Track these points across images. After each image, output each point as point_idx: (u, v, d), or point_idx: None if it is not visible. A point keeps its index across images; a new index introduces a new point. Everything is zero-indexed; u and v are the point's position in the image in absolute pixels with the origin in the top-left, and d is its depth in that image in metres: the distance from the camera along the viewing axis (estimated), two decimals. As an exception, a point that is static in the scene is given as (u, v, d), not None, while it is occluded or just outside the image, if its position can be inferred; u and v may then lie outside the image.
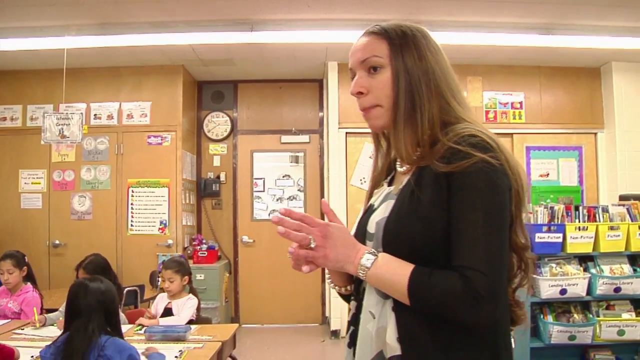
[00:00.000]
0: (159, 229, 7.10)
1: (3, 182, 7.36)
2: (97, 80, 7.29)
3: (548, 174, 7.27)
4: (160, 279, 4.62)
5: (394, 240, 1.41)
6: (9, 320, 4.48)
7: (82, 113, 6.19)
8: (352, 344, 1.52)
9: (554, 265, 4.43)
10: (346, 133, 7.07)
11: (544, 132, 7.31)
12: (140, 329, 3.91)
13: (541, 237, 4.42)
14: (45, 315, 4.27)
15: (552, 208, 4.55)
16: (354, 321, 1.53)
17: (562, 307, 4.50)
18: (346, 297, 1.68)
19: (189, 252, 7.31)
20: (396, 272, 1.36)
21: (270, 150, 7.96)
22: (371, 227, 1.50)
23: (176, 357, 3.25)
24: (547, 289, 4.32)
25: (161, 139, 7.17)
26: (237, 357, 4.17)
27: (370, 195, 1.68)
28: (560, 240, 4.42)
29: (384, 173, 1.67)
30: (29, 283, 4.74)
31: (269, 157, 7.99)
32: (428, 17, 5.67)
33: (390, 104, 1.49)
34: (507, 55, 6.83)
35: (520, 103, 7.33)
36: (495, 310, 1.31)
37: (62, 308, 4.21)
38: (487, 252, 1.30)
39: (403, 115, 1.47)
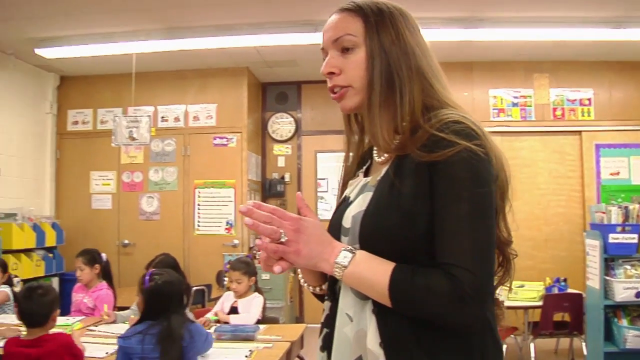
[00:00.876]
0: (225, 229, 7.20)
1: (75, 183, 7.59)
2: (164, 83, 7.44)
3: (619, 173, 7.06)
4: (226, 279, 4.68)
5: (372, 235, 1.29)
6: (84, 316, 4.61)
7: (150, 116, 6.32)
8: (326, 347, 1.41)
9: (628, 267, 4.31)
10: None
11: (614, 129, 7.10)
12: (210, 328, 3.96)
13: (615, 238, 4.30)
14: (116, 312, 4.38)
15: (626, 208, 4.42)
16: (328, 323, 1.41)
17: (637, 310, 4.37)
18: (320, 297, 1.56)
19: (254, 252, 7.38)
20: (376, 270, 1.24)
21: (334, 151, 7.96)
22: (347, 222, 1.38)
23: (246, 356, 3.29)
24: (622, 291, 4.20)
25: (227, 140, 7.26)
26: (305, 357, 4.18)
27: (343, 186, 1.56)
28: (636, 241, 4.29)
29: (356, 162, 1.56)
30: (104, 281, 4.87)
31: (332, 158, 7.99)
32: (493, 13, 5.59)
33: (363, 85, 1.38)
34: (575, 51, 6.66)
35: (589, 99, 7.15)
36: (483, 311, 1.23)
37: (134, 306, 4.33)
38: (473, 247, 1.20)
39: (379, 97, 1.36)
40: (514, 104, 7.16)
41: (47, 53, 6.52)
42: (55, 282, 6.88)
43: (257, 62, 7.05)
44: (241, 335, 3.68)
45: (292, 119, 8.05)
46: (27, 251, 6.44)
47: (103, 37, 6.14)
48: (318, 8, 5.47)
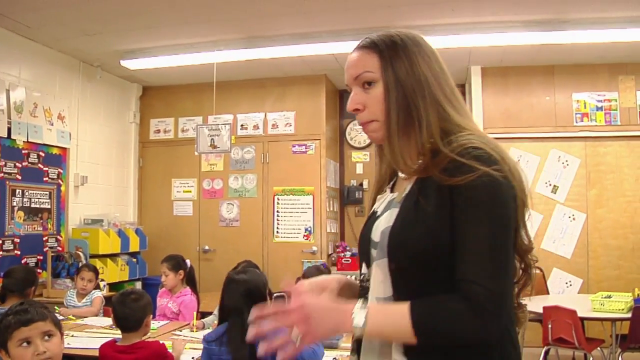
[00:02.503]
0: (304, 235, 7.22)
1: (157, 190, 7.78)
2: (243, 92, 7.54)
3: None
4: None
5: (399, 249, 1.37)
6: (168, 321, 4.70)
7: (230, 124, 6.41)
8: None
9: None
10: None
11: None
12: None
13: None
14: (202, 320, 4.45)
15: None
16: None
17: None
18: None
19: (333, 259, 7.38)
20: (393, 316, 1.31)
21: (411, 157, 7.88)
22: (375, 236, 1.46)
23: (330, 364, 3.27)
24: None
25: (305, 148, 7.30)
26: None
27: (373, 201, 1.65)
28: None
29: (387, 179, 1.64)
30: (188, 286, 4.95)
31: (410, 164, 7.90)
32: (577, 15, 5.42)
33: (384, 118, 1.47)
34: (664, 52, 6.39)
35: (679, 102, 6.83)
36: (502, 325, 1.29)
37: (217, 311, 4.37)
38: (492, 266, 1.27)
39: (396, 127, 1.44)
40: (598, 108, 6.91)
41: (131, 64, 6.71)
42: (138, 287, 7.05)
43: (335, 69, 7.05)
44: (325, 342, 3.67)
45: (369, 126, 8.01)
46: (112, 256, 6.64)
47: (184, 48, 6.28)
48: (395, 14, 5.45)
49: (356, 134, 8.04)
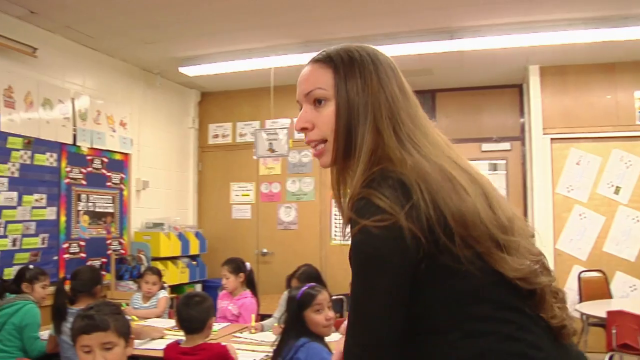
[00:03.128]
0: (361, 238, 7.21)
1: (216, 194, 7.91)
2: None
3: None
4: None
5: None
6: (228, 323, 4.77)
7: (287, 128, 6.46)
8: None
9: None
10: (551, 139, 6.75)
11: None
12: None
13: None
14: (262, 322, 4.51)
15: None
16: None
17: None
18: None
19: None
20: None
21: (470, 159, 7.72)
22: None
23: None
24: None
25: (362, 151, 7.29)
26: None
27: None
28: None
29: None
30: (248, 289, 5.02)
31: (468, 166, 7.81)
32: (639, 10, 5.28)
33: (333, 141, 1.35)
34: None
35: None
36: None
37: (276, 314, 4.43)
38: (352, 327, 1.22)
39: (341, 156, 1.33)
40: (663, 106, 6.72)
41: (190, 71, 6.84)
42: (198, 289, 7.18)
43: (390, 71, 7.03)
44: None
45: (426, 128, 7.95)
46: (173, 259, 6.77)
47: (241, 54, 6.36)
48: (453, 15, 5.41)
49: (413, 136, 7.98)
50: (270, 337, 3.95)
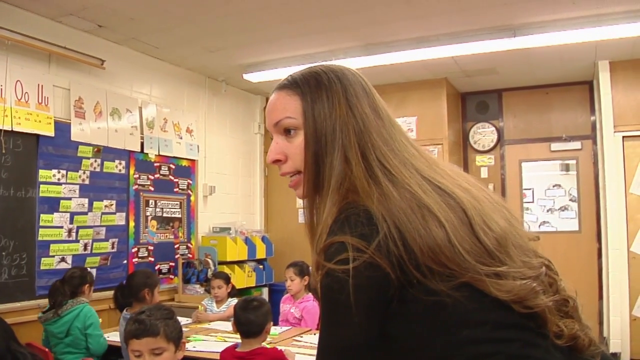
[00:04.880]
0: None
1: (283, 198, 7.98)
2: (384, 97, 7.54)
3: None
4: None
5: None
6: (290, 327, 4.80)
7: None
8: None
9: None
10: (623, 137, 6.49)
11: None
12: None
13: None
14: None
15: None
16: None
17: None
18: None
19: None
20: None
21: (539, 159, 7.60)
22: None
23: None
24: None
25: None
26: None
27: None
28: None
29: None
30: (310, 293, 5.04)
31: (538, 167, 7.64)
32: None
33: (303, 172, 1.26)
34: None
35: None
36: None
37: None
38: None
39: (312, 185, 1.24)
40: None
41: (254, 77, 6.92)
42: (265, 292, 7.25)
43: (455, 72, 6.95)
44: None
45: (493, 129, 7.82)
46: (239, 263, 6.86)
47: (304, 59, 6.37)
48: (516, 11, 5.28)
49: (480, 137, 7.87)
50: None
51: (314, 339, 4.25)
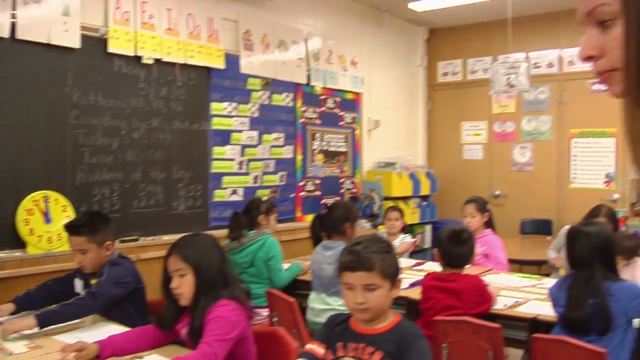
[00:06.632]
0: (604, 182, 6.65)
1: (446, 134, 7.73)
2: (535, 28, 7.06)
3: None
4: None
5: None
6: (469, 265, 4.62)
7: (528, 61, 6.05)
8: None
9: None
10: None
11: None
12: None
13: None
14: None
15: None
16: None
17: None
18: None
19: (636, 208, 6.71)
20: None
21: None
22: None
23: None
24: None
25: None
26: None
27: None
28: None
29: None
30: (489, 229, 4.83)
31: None
32: None
33: (622, 66, 0.92)
34: None
35: None
36: None
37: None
38: None
39: (636, 84, 0.90)
40: None
41: (419, 6, 6.65)
42: (428, 230, 7.10)
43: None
44: None
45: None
46: (404, 198, 6.72)
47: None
48: None
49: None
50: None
51: (499, 278, 4.12)
